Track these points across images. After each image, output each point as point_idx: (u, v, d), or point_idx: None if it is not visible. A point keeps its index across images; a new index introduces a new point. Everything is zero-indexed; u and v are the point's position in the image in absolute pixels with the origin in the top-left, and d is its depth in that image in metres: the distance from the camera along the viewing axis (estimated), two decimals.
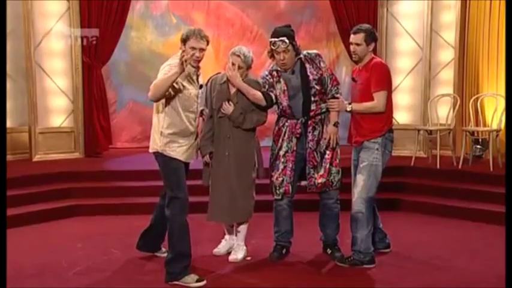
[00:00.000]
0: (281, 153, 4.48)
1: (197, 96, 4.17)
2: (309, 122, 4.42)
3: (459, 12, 7.41)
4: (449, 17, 7.56)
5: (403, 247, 4.85)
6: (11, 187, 5.50)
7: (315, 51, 4.52)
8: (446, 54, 7.63)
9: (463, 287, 4.06)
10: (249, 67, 4.43)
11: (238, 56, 4.36)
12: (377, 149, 4.31)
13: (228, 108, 4.36)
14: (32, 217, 5.70)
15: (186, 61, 3.80)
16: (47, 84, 7.67)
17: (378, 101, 4.27)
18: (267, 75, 4.49)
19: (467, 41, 7.49)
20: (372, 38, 4.34)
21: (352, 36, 4.38)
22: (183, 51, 3.97)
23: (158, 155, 4.09)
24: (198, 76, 4.19)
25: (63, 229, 5.59)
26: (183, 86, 4.02)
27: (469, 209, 5.86)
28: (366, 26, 4.46)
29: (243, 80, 4.38)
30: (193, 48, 4.02)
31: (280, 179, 4.49)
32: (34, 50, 7.46)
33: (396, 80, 7.76)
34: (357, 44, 4.33)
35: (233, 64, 4.36)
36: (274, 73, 4.46)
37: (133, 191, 6.44)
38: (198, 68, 4.17)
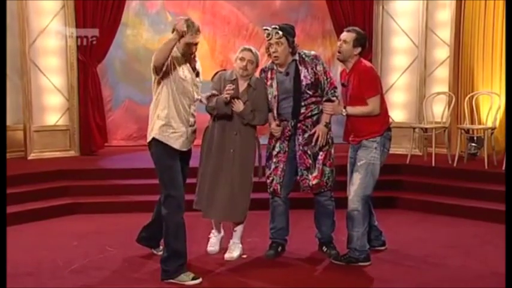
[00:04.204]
0: (274, 152, 4.51)
1: (194, 82, 4.15)
2: (299, 125, 4.42)
3: (454, 10, 7.41)
4: (445, 15, 7.56)
5: (399, 245, 4.86)
6: (7, 185, 5.47)
7: (312, 52, 4.50)
8: (442, 53, 7.64)
9: (460, 285, 4.07)
10: (257, 64, 4.46)
11: (250, 50, 4.40)
12: (375, 148, 4.31)
13: (238, 105, 4.34)
14: (28, 215, 5.69)
15: (184, 30, 3.81)
16: (42, 82, 7.64)
17: (372, 106, 4.27)
18: (263, 78, 4.48)
19: (462, 40, 7.50)
20: (360, 43, 4.31)
21: (344, 33, 4.38)
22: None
23: (153, 145, 4.07)
24: (194, 61, 4.18)
25: (59, 227, 5.58)
26: (178, 65, 4.03)
27: (465, 206, 5.87)
28: (360, 30, 4.44)
29: (249, 77, 4.40)
30: (190, 44, 4.03)
31: (271, 178, 4.51)
32: (29, 48, 7.43)
33: (391, 78, 7.78)
34: (345, 41, 4.32)
35: (243, 59, 4.36)
36: (269, 74, 4.46)
37: (129, 189, 6.43)
38: (194, 55, 4.17)
